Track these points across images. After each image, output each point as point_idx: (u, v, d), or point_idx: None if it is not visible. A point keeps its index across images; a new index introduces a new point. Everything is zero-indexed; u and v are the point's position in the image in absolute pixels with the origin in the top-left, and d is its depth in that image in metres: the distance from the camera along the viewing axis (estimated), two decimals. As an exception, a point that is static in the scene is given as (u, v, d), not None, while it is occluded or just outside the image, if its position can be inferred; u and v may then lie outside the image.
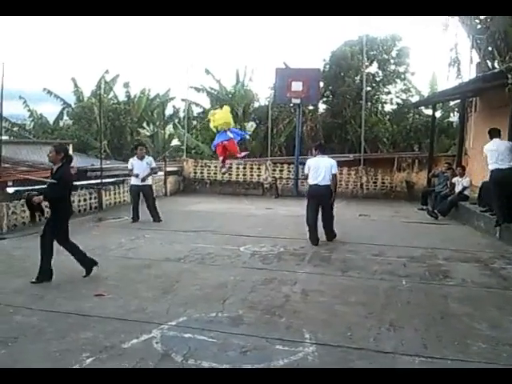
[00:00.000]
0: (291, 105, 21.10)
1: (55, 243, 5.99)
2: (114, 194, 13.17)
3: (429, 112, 22.27)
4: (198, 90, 26.37)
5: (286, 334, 4.36)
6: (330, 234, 8.74)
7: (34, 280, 5.76)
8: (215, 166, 17.64)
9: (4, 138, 23.09)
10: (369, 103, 24.00)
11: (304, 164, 16.55)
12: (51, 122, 29.58)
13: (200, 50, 65.06)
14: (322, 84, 21.81)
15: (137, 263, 6.88)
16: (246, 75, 27.06)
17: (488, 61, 15.41)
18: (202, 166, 18.05)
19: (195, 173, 18.09)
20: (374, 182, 16.94)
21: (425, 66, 52.72)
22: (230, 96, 26.81)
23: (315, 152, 8.96)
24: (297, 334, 4.36)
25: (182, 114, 29.53)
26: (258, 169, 17.71)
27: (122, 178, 13.78)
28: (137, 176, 10.64)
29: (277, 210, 13.10)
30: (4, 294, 5.39)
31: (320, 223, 8.62)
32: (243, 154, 13.81)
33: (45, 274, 5.84)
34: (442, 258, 7.49)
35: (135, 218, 10.60)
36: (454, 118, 24.40)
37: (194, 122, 27.81)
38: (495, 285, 6.11)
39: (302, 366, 3.74)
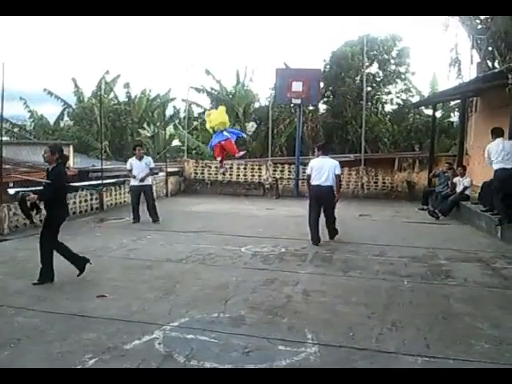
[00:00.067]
0: (292, 105, 21.12)
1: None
2: (115, 194, 13.17)
3: (429, 112, 22.27)
4: (198, 90, 26.38)
5: (287, 334, 4.36)
6: (332, 232, 8.74)
7: (35, 281, 5.77)
8: (216, 167, 17.64)
9: (5, 138, 23.08)
10: (369, 103, 24.00)
11: (305, 164, 16.75)
12: (52, 122, 29.61)
13: (200, 50, 65.01)
14: (322, 84, 21.80)
15: (138, 264, 6.89)
16: (247, 75, 27.10)
17: (488, 61, 15.40)
18: (202, 167, 18.06)
19: (196, 173, 18.09)
20: (375, 182, 16.94)
21: (425, 66, 52.75)
22: (231, 96, 26.83)
23: (317, 152, 8.97)
24: (299, 334, 4.36)
25: (182, 115, 29.56)
26: (259, 169, 17.71)
27: (122, 179, 13.80)
28: (134, 177, 10.66)
29: (278, 211, 13.11)
30: (6, 296, 5.40)
31: (322, 223, 8.63)
32: (241, 153, 13.81)
33: (46, 275, 5.84)
34: (443, 257, 7.49)
35: (136, 218, 10.61)
36: (455, 117, 24.43)
37: (195, 123, 27.81)
38: (497, 284, 6.11)
39: (304, 366, 3.74)
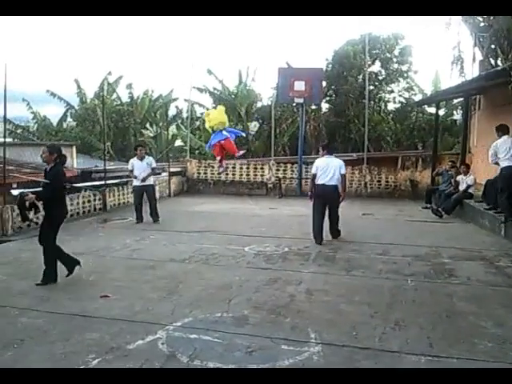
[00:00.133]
0: (294, 104, 21.08)
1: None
2: (118, 195, 13.20)
3: (432, 110, 22.29)
4: (200, 90, 26.40)
5: (291, 333, 4.36)
6: (335, 233, 8.75)
7: (39, 282, 5.78)
8: (224, 167, 17.62)
9: (8, 140, 23.18)
10: (372, 102, 23.98)
11: (307, 164, 16.75)
12: (55, 123, 29.69)
13: (202, 50, 65.15)
14: (324, 83, 21.81)
15: (141, 264, 6.89)
16: (249, 75, 27.11)
17: (491, 59, 15.36)
18: (205, 167, 18.06)
19: (199, 173, 18.10)
20: (378, 181, 16.92)
21: (428, 65, 52.70)
22: (233, 96, 26.85)
23: (322, 152, 8.96)
24: (302, 333, 4.36)
25: (185, 115, 29.61)
26: (262, 169, 17.71)
27: (125, 179, 13.82)
28: (136, 178, 10.68)
29: (281, 210, 13.10)
30: (10, 296, 5.41)
31: (325, 222, 8.63)
32: (241, 152, 13.83)
33: (50, 276, 5.85)
34: (446, 256, 7.47)
35: (139, 218, 10.62)
36: (458, 116, 24.39)
37: (197, 123, 27.85)
38: (500, 283, 6.09)
39: (307, 365, 3.74)
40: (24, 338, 4.19)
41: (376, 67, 25.67)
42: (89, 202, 11.92)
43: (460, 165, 12.84)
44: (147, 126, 30.91)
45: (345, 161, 8.97)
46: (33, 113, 28.93)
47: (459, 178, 12.15)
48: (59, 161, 5.96)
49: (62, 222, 6.11)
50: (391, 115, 26.05)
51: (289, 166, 17.61)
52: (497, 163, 9.20)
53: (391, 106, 26.64)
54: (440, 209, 11.78)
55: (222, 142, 12.50)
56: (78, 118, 29.09)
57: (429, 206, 12.89)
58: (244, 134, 16.64)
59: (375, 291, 5.68)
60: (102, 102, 24.25)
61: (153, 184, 11.19)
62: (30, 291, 5.59)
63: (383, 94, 26.10)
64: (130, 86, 29.88)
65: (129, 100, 29.95)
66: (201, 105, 27.64)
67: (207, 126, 13.39)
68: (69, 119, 30.20)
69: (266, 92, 45.92)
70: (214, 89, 26.95)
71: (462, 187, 11.85)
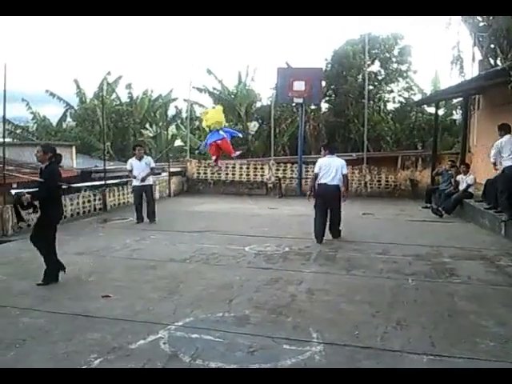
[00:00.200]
0: (293, 104, 21.10)
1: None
2: (119, 195, 13.19)
3: (432, 110, 22.28)
4: (200, 90, 26.39)
5: (292, 333, 4.36)
6: (336, 233, 8.76)
7: (40, 282, 5.78)
8: (219, 167, 17.63)
9: (7, 140, 23.19)
10: (371, 102, 23.97)
11: (307, 164, 16.76)
12: (54, 123, 29.69)
13: (202, 50, 65.15)
14: (324, 83, 21.81)
15: (142, 264, 6.89)
16: (248, 75, 27.10)
17: (490, 58, 15.37)
18: (205, 167, 18.05)
19: (199, 173, 18.10)
20: (378, 181, 16.92)
21: (427, 64, 52.68)
22: (233, 96, 26.85)
23: (324, 152, 8.97)
24: (303, 333, 4.36)
25: (184, 115, 29.60)
26: (262, 168, 17.71)
27: (125, 179, 13.82)
28: (135, 178, 10.68)
29: (281, 210, 13.10)
30: (11, 296, 5.41)
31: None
32: (237, 153, 13.91)
33: (51, 275, 5.85)
34: (447, 255, 7.47)
35: (139, 218, 10.62)
36: (457, 115, 24.39)
37: (197, 123, 27.82)
38: (501, 282, 6.09)
39: (309, 365, 3.73)
40: (26, 338, 4.19)
41: (375, 67, 25.66)
42: (89, 202, 11.92)
43: (460, 164, 12.85)
44: (147, 126, 30.92)
45: (345, 161, 8.98)
46: (32, 113, 28.92)
47: (459, 177, 12.16)
48: (54, 160, 5.96)
49: (57, 223, 6.10)
50: (391, 115, 26.04)
51: (289, 165, 17.62)
52: (494, 163, 9.21)
53: (391, 106, 26.66)
54: (440, 208, 11.79)
55: (219, 141, 12.56)
56: (77, 118, 29.09)
57: (429, 205, 12.90)
58: (241, 135, 16.65)
59: (376, 291, 5.68)
60: (101, 102, 24.25)
61: (152, 184, 11.19)
62: (30, 291, 5.59)
63: (383, 94, 26.09)
64: (129, 86, 29.89)
65: (128, 100, 29.94)
66: (200, 105, 27.63)
67: (204, 124, 13.49)
68: (68, 119, 30.20)
69: (265, 92, 45.87)
70: (214, 89, 26.95)
71: (461, 187, 11.85)
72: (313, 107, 24.08)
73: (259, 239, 8.65)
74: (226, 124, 25.67)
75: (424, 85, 26.65)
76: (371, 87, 24.00)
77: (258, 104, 27.47)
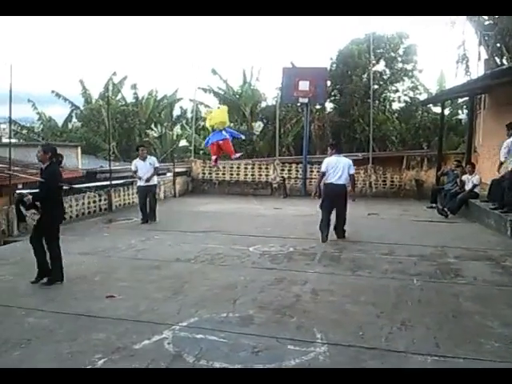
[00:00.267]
0: (298, 104, 21.09)
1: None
2: (124, 195, 13.23)
3: (437, 110, 22.21)
4: (205, 90, 26.43)
5: (296, 333, 4.35)
6: (341, 233, 8.75)
7: (45, 282, 5.80)
8: (223, 167, 17.66)
9: (13, 140, 23.30)
10: (376, 101, 23.92)
11: (312, 164, 16.75)
12: (60, 124, 29.81)
13: (207, 50, 65.15)
14: (329, 83, 21.77)
15: (147, 264, 6.90)
16: (253, 75, 27.13)
17: (496, 57, 15.34)
18: (210, 167, 18.04)
19: (203, 173, 18.11)
20: (383, 181, 16.87)
21: (432, 64, 52.43)
22: (237, 96, 26.85)
23: (331, 151, 8.99)
24: (308, 333, 4.35)
25: (189, 115, 29.64)
26: (266, 169, 17.70)
27: (130, 180, 13.85)
28: (140, 179, 10.72)
29: (285, 210, 13.09)
30: (17, 296, 5.43)
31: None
32: (237, 154, 14.05)
33: (56, 275, 5.87)
34: (452, 256, 7.45)
35: (144, 219, 10.64)
36: (463, 115, 24.32)
37: (202, 123, 27.84)
38: (507, 283, 6.06)
39: (313, 366, 3.73)
40: (31, 338, 4.21)
41: (380, 66, 25.60)
42: (94, 202, 11.95)
43: (465, 164, 12.80)
44: (152, 126, 31.00)
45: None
46: (38, 113, 29.06)
47: (465, 177, 12.11)
48: (55, 160, 5.97)
49: (59, 224, 6.11)
50: (396, 115, 25.97)
51: (293, 165, 17.58)
52: (501, 163, 9.18)
53: (396, 106, 26.59)
54: (445, 208, 11.75)
55: (221, 142, 12.63)
56: (83, 118, 29.19)
57: (434, 205, 12.86)
58: (243, 137, 16.72)
59: (381, 291, 5.66)
60: (106, 102, 24.31)
61: (156, 184, 11.24)
62: (36, 291, 5.63)
63: (388, 94, 26.02)
64: (134, 87, 29.97)
65: (134, 100, 30.02)
66: (206, 105, 27.62)
67: (207, 124, 13.57)
68: (74, 120, 30.33)
69: (270, 92, 45.89)
70: (219, 89, 26.97)
71: (467, 187, 11.80)
72: (318, 107, 24.06)
73: (264, 239, 8.65)
74: (231, 124, 25.81)
75: (429, 84, 26.62)
76: (376, 87, 23.95)
77: (263, 104, 27.47)
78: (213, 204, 14.20)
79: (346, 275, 6.39)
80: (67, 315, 4.81)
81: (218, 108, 16.92)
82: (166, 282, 6.01)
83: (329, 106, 25.77)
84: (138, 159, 10.94)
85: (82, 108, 29.36)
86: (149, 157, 11.09)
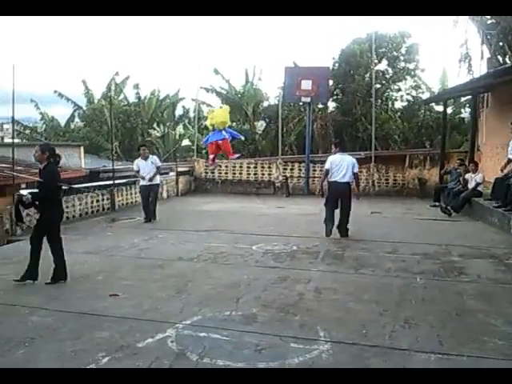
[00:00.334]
0: (301, 103, 21.06)
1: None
2: (127, 194, 13.24)
3: (440, 108, 22.17)
4: (207, 90, 26.42)
5: (300, 332, 4.35)
6: (344, 231, 8.76)
7: (48, 281, 5.81)
8: (226, 166, 17.68)
9: (16, 140, 23.31)
10: (379, 100, 23.91)
11: (315, 163, 16.75)
12: (63, 124, 29.84)
13: (209, 50, 65.19)
14: (331, 82, 21.76)
15: (150, 263, 6.91)
16: (255, 75, 27.08)
17: (499, 56, 15.30)
18: (207, 166, 18.02)
19: (206, 173, 18.12)
20: (386, 180, 16.86)
21: (435, 63, 52.35)
22: (240, 96, 26.82)
23: (335, 149, 9.08)
24: (311, 331, 4.35)
25: (192, 114, 29.64)
26: (269, 168, 17.70)
27: (133, 179, 13.88)
28: (143, 178, 10.73)
29: (288, 209, 13.09)
30: (20, 295, 5.45)
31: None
32: (236, 155, 14.26)
33: (59, 274, 5.88)
34: (456, 254, 7.44)
35: (147, 218, 10.66)
36: (466, 113, 24.26)
37: (204, 122, 27.82)
38: (510, 281, 6.05)
39: (316, 363, 3.73)
40: (34, 337, 4.22)
41: (383, 65, 25.55)
42: (97, 201, 11.98)
43: (468, 163, 12.78)
44: (154, 125, 31.00)
45: (354, 159, 9.01)
46: (41, 113, 29.10)
47: (468, 176, 12.10)
48: (53, 160, 5.96)
49: (58, 223, 6.11)
50: (398, 113, 25.93)
51: (296, 165, 17.58)
52: (510, 160, 9.16)
53: (398, 105, 26.54)
54: (449, 207, 11.74)
55: (220, 142, 12.73)
56: (85, 118, 29.21)
57: (437, 204, 12.84)
58: (243, 138, 16.80)
59: (384, 289, 5.66)
60: (109, 102, 24.36)
61: (158, 183, 11.26)
62: (39, 290, 5.63)
63: (390, 93, 25.97)
64: (137, 86, 29.97)
65: (136, 100, 30.03)
66: (208, 104, 27.62)
67: (208, 123, 13.67)
68: (76, 120, 30.37)
69: (272, 91, 45.93)
70: (222, 88, 26.96)
71: (470, 185, 11.78)
72: (320, 106, 24.06)
73: (267, 238, 8.65)
74: (234, 124, 25.83)
75: (432, 83, 26.54)
76: (379, 86, 23.93)
77: (266, 103, 27.44)
78: (215, 203, 14.20)
79: (349, 273, 6.39)
80: (71, 314, 4.82)
81: (221, 107, 16.98)
82: (170, 280, 6.01)
83: (331, 105, 25.79)
84: (139, 159, 10.96)
85: (84, 108, 29.39)
86: (150, 156, 11.10)
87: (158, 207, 11.06)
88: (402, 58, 25.50)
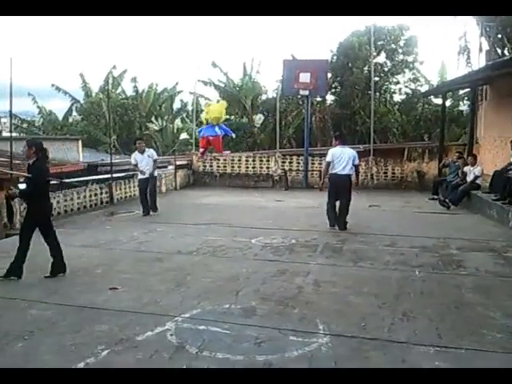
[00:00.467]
0: (299, 96, 21.04)
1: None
2: (125, 188, 13.22)
3: (438, 101, 22.15)
4: (205, 83, 26.33)
5: (299, 325, 4.36)
6: (342, 224, 8.78)
7: (48, 274, 5.81)
8: (224, 160, 17.64)
9: (14, 134, 23.28)
10: (377, 93, 23.86)
11: (313, 156, 16.75)
12: (60, 118, 29.79)
13: (207, 42, 64.94)
14: (329, 75, 21.71)
15: (149, 256, 6.91)
16: (254, 68, 26.99)
17: (498, 48, 15.27)
18: (211, 159, 18.00)
19: (204, 166, 18.07)
20: (385, 173, 16.83)
21: (434, 55, 52.28)
22: (238, 89, 26.74)
23: (335, 142, 9.17)
24: (310, 324, 4.36)
25: (190, 108, 29.59)
26: (268, 161, 17.66)
27: (131, 173, 13.86)
28: (142, 172, 10.71)
29: (287, 203, 13.08)
30: (19, 289, 5.45)
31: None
32: (226, 152, 14.51)
33: (58, 267, 5.87)
34: (454, 247, 7.45)
35: (146, 211, 10.65)
36: (464, 106, 24.26)
37: (203, 116, 27.78)
38: (509, 274, 6.07)
39: (315, 356, 3.74)
40: (34, 330, 4.22)
41: (381, 58, 25.51)
42: (95, 195, 11.94)
43: (467, 156, 12.77)
44: (152, 119, 30.93)
45: (352, 152, 9.05)
46: (38, 107, 29.04)
47: (466, 168, 12.09)
48: (41, 155, 5.92)
49: (47, 217, 6.08)
50: (397, 106, 25.91)
51: (294, 158, 17.54)
52: None
53: (397, 98, 26.52)
54: (447, 200, 11.74)
55: (211, 138, 12.86)
56: (83, 112, 29.17)
57: (436, 197, 12.84)
58: (234, 135, 16.94)
59: (383, 282, 5.67)
60: (107, 95, 24.29)
61: (156, 176, 11.26)
62: (38, 284, 5.63)
63: (389, 86, 25.94)
64: (134, 80, 29.93)
65: (134, 93, 29.98)
66: (206, 98, 27.55)
67: (203, 117, 13.79)
68: (74, 113, 30.32)
69: (271, 84, 45.72)
70: (219, 81, 26.87)
71: (469, 178, 11.78)
72: (318, 99, 24.02)
73: (265, 231, 8.65)
74: (232, 117, 25.79)
75: (430, 76, 26.53)
76: (377, 79, 23.87)
77: (264, 96, 27.36)
78: (214, 196, 14.19)
79: (348, 266, 6.40)
80: (70, 307, 4.82)
81: (218, 102, 16.98)
82: (169, 274, 6.02)
83: (329, 98, 25.74)
84: (136, 152, 10.93)
85: (82, 101, 29.34)
86: (147, 149, 11.07)
87: (157, 198, 11.07)
88: (400, 50, 25.46)
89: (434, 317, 4.54)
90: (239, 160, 17.69)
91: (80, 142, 21.21)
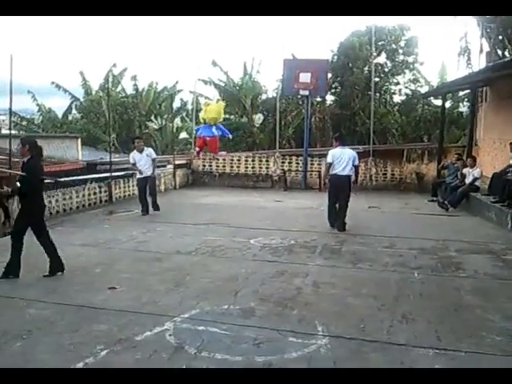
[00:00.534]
0: (299, 96, 21.02)
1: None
2: (124, 187, 13.21)
3: (438, 102, 22.13)
4: (205, 82, 26.29)
5: (298, 326, 4.36)
6: (341, 226, 8.79)
7: (46, 274, 5.80)
8: (224, 159, 17.62)
9: (13, 132, 23.23)
10: (377, 94, 23.83)
11: (313, 156, 16.74)
12: (60, 115, 29.73)
13: (207, 42, 64.85)
14: (330, 75, 21.69)
15: (148, 256, 6.90)
16: (254, 67, 26.92)
17: (498, 50, 15.26)
18: (210, 159, 17.97)
19: (204, 166, 18.04)
20: (384, 174, 16.82)
21: (434, 56, 52.23)
22: (238, 88, 26.71)
23: (336, 143, 9.22)
24: (309, 326, 4.36)
25: (189, 107, 29.55)
26: (267, 161, 17.63)
27: (131, 172, 13.84)
28: (140, 172, 10.70)
29: (286, 203, 13.07)
30: (18, 288, 5.43)
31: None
32: (222, 153, 14.60)
33: (55, 266, 5.86)
34: (453, 249, 7.45)
35: (145, 210, 10.64)
36: (464, 108, 24.24)
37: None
38: (508, 276, 6.07)
39: (314, 358, 3.74)
40: (32, 329, 4.21)
41: (382, 59, 25.48)
42: (94, 194, 11.91)
43: (466, 157, 12.77)
44: (152, 118, 30.90)
45: (352, 153, 9.07)
46: (38, 105, 28.97)
47: (465, 170, 12.08)
48: (35, 153, 5.90)
49: (41, 215, 6.06)
50: (397, 107, 25.89)
51: (294, 158, 17.51)
52: None
53: (397, 98, 26.48)
54: (446, 202, 11.73)
55: (208, 139, 12.91)
56: (83, 110, 29.12)
57: (435, 199, 12.85)
58: (231, 136, 16.92)
59: (382, 284, 5.67)
60: (106, 94, 24.27)
61: (155, 175, 11.25)
62: (37, 283, 5.61)
63: (389, 86, 25.92)
64: (134, 78, 29.87)
65: (134, 92, 29.93)
66: (206, 97, 27.50)
67: (201, 116, 13.79)
68: (74, 111, 30.26)
69: (271, 84, 45.67)
70: (220, 80, 26.83)
71: (468, 180, 11.78)
72: (318, 99, 23.99)
73: (264, 232, 8.65)
74: (231, 117, 25.76)
75: (431, 77, 26.48)
76: (377, 79, 23.85)
77: (264, 96, 27.33)
78: (213, 196, 14.17)
79: (347, 268, 6.40)
80: (68, 306, 4.82)
81: (217, 101, 16.97)
82: (168, 273, 6.01)
83: (329, 98, 25.70)
84: (134, 151, 10.91)
85: (81, 99, 29.28)
86: (145, 148, 11.04)
87: (157, 198, 11.09)
88: (400, 51, 25.45)
89: (433, 319, 4.54)
90: (238, 160, 17.66)
91: (79, 140, 21.15)
